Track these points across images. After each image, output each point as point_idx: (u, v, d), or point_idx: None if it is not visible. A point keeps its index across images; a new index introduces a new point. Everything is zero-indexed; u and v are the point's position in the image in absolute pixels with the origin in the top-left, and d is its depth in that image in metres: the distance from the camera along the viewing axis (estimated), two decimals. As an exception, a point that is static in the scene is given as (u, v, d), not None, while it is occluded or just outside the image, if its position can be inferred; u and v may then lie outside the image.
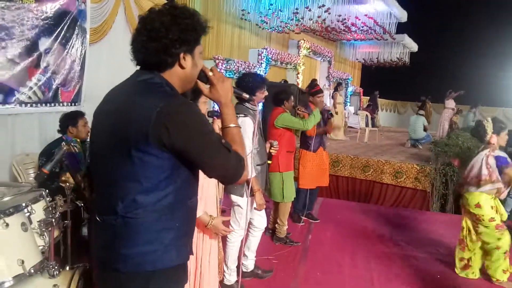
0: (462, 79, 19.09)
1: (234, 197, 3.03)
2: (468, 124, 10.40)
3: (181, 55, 1.32)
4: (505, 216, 3.60)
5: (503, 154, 3.53)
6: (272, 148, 3.29)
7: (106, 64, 5.22)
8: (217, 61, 8.25)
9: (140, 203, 1.26)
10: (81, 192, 2.82)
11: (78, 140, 3.38)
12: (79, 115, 3.47)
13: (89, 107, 4.51)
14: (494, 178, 3.43)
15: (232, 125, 1.41)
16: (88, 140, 3.33)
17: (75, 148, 3.10)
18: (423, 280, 3.64)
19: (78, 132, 3.40)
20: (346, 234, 4.71)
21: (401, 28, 13.53)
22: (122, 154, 1.24)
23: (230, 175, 1.34)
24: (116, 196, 1.28)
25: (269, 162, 3.41)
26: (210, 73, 1.44)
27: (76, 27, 4.54)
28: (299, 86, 10.26)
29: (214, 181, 2.25)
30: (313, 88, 4.79)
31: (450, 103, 9.52)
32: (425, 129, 8.56)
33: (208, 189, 2.27)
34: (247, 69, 8.80)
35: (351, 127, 11.17)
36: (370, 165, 6.72)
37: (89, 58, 4.80)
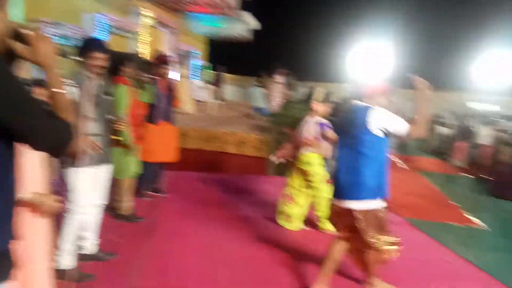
0: (300, 56, 21.17)
1: (64, 171, 2.79)
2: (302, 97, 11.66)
3: None
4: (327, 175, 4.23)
5: (325, 121, 4.10)
6: (119, 123, 3.12)
7: None
8: (44, 24, 7.22)
9: None
10: None
11: None
12: None
13: None
14: (316, 141, 4.02)
15: (57, 90, 1.27)
16: None
17: None
18: (261, 237, 4.01)
19: None
20: (193, 205, 4.83)
21: (245, 5, 14.13)
22: None
23: (58, 145, 1.22)
24: None
25: (116, 138, 3.23)
26: (28, 31, 1.23)
27: None
28: (144, 57, 9.81)
29: (39, 157, 2.00)
30: (160, 60, 4.68)
31: (279, 79, 10.41)
32: (266, 99, 9.33)
33: (31, 166, 2.00)
34: (82, 36, 7.96)
35: (198, 100, 11.31)
36: (216, 136, 6.98)
37: None
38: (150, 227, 4.04)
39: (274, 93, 9.41)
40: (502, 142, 8.94)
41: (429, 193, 6.98)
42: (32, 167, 1.99)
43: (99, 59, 2.83)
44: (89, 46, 2.85)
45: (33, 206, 1.90)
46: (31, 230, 1.99)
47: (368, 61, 12.40)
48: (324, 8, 23.57)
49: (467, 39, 22.00)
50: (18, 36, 1.23)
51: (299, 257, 3.61)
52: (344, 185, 2.70)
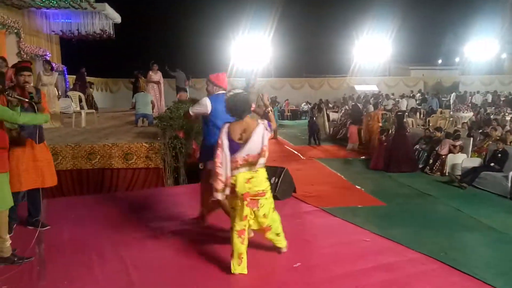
0: (173, 51, 20.96)
1: None
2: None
3: None
4: None
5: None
6: None
7: None
8: None
9: None
10: None
11: None
12: None
13: None
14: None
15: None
16: None
17: None
18: (186, 254, 4.04)
19: None
20: (86, 232, 4.63)
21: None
22: None
23: None
24: None
25: None
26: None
27: None
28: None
29: None
30: (20, 66, 4.32)
31: (154, 76, 10.37)
32: (153, 106, 9.23)
33: None
34: None
35: (62, 112, 10.48)
36: (96, 151, 6.66)
37: None
38: (42, 265, 3.77)
39: (156, 94, 9.29)
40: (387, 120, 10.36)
41: (332, 180, 7.89)
42: None
43: None
44: None
45: None
46: None
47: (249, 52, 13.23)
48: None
49: (344, 27, 25.67)
50: None
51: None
52: None
